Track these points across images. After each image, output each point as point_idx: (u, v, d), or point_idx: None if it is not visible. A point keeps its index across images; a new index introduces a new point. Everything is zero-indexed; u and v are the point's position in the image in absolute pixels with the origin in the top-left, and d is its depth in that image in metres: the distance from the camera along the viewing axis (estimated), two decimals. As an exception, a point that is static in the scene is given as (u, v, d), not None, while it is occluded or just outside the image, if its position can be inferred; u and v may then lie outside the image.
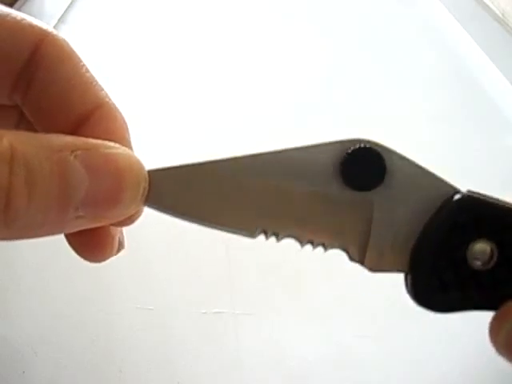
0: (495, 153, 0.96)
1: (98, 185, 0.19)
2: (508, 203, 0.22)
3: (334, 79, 1.11)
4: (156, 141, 0.93)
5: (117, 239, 0.24)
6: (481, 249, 0.21)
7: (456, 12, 1.24)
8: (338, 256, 0.23)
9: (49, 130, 0.22)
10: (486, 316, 0.22)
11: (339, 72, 1.13)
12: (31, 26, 0.21)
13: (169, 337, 0.71)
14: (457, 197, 0.22)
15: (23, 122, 0.24)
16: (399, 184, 0.22)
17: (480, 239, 0.21)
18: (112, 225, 0.22)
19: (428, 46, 1.20)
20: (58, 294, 0.74)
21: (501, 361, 0.21)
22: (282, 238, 0.22)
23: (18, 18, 0.21)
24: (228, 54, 1.18)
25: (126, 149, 0.21)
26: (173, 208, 0.22)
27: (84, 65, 0.22)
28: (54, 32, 0.22)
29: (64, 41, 0.22)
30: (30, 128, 0.23)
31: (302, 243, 0.22)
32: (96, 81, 0.22)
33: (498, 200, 0.22)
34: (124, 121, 0.23)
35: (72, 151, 0.19)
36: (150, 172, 0.22)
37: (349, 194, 0.22)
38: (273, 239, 0.23)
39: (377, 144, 0.22)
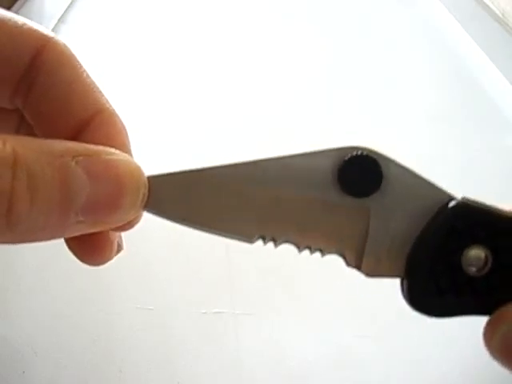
0: (495, 153, 0.96)
1: (99, 190, 0.19)
2: (502, 210, 0.22)
3: (333, 79, 1.11)
4: (155, 146, 0.93)
5: (116, 243, 0.24)
6: (475, 255, 0.22)
7: (456, 12, 1.25)
8: (337, 257, 0.23)
9: (49, 134, 0.22)
10: (484, 318, 0.22)
11: (339, 72, 1.13)
12: (32, 31, 0.22)
13: (169, 337, 0.71)
14: (452, 203, 0.22)
15: (23, 126, 0.24)
16: (395, 191, 0.22)
17: (475, 245, 0.22)
18: (111, 229, 0.22)
19: (428, 46, 1.20)
20: (57, 294, 0.74)
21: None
22: (279, 244, 0.23)
23: (20, 22, 0.21)
24: (228, 55, 1.18)
25: (126, 155, 0.21)
26: (171, 213, 0.22)
27: (84, 70, 0.22)
28: (55, 37, 0.22)
29: (65, 46, 0.22)
30: (31, 131, 0.23)
31: (300, 248, 0.23)
32: (96, 86, 0.23)
33: (492, 207, 0.22)
34: (124, 126, 0.23)
35: (73, 157, 0.19)
36: (150, 178, 0.22)
37: (346, 200, 0.22)
38: (271, 244, 0.23)
39: (373, 151, 0.22)
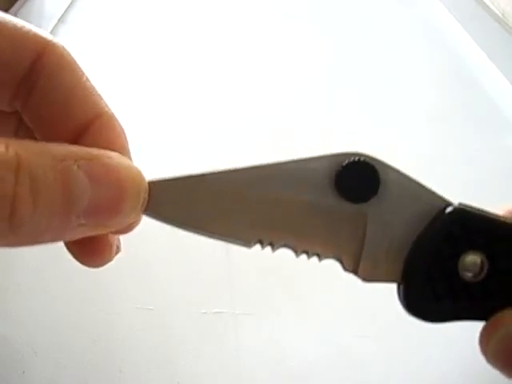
0: (495, 153, 0.96)
1: (100, 194, 0.20)
2: (498, 216, 0.22)
3: (333, 79, 1.11)
4: (154, 146, 0.93)
5: (115, 245, 0.24)
6: (472, 261, 0.22)
7: (456, 12, 1.24)
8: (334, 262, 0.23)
9: (48, 137, 0.23)
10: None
11: (339, 72, 1.13)
12: (33, 35, 0.22)
13: (169, 337, 0.71)
14: (449, 209, 0.22)
15: (22, 128, 0.24)
16: (392, 196, 0.22)
17: (471, 251, 0.22)
18: (111, 232, 0.23)
19: (428, 46, 1.20)
20: (58, 294, 0.74)
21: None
22: (277, 248, 0.23)
23: (20, 26, 0.21)
24: (228, 55, 1.18)
25: (127, 159, 0.21)
26: (170, 218, 0.23)
27: (84, 74, 0.23)
28: (55, 40, 0.22)
29: (65, 49, 0.22)
30: (29, 134, 0.24)
31: (297, 253, 0.23)
32: (96, 90, 0.23)
33: (488, 213, 0.22)
34: (123, 130, 0.23)
35: (75, 161, 0.19)
36: (150, 183, 0.22)
37: (344, 205, 0.22)
38: (268, 248, 0.23)
39: (371, 157, 0.22)
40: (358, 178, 0.22)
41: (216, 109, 1.04)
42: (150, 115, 1.02)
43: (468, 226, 0.22)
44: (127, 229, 0.23)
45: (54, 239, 0.20)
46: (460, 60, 1.15)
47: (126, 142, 0.23)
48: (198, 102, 1.06)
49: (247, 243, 0.23)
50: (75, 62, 0.23)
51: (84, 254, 0.23)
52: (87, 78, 0.23)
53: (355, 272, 0.23)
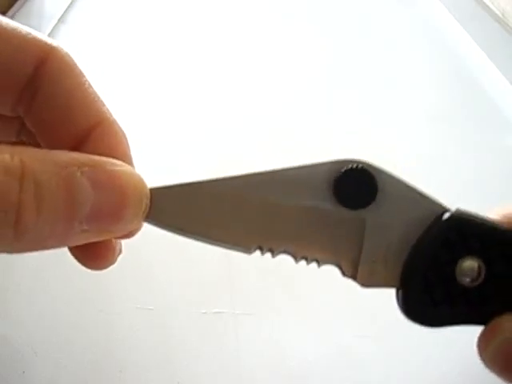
0: (495, 153, 0.96)
1: (103, 201, 0.20)
2: (494, 221, 0.23)
3: (333, 79, 1.11)
4: (154, 147, 0.93)
5: (117, 249, 0.24)
6: (469, 266, 0.22)
7: (456, 12, 1.25)
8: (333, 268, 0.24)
9: (50, 142, 0.23)
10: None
11: (339, 72, 1.13)
12: (36, 41, 0.22)
13: (169, 337, 0.71)
14: (446, 215, 0.23)
15: (24, 133, 0.24)
16: (390, 203, 0.23)
17: (468, 256, 0.22)
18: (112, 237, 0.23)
19: (428, 46, 1.20)
20: (57, 294, 0.74)
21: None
22: (277, 254, 0.23)
23: (24, 32, 0.22)
24: (228, 55, 1.18)
25: (130, 166, 0.22)
26: (171, 225, 0.23)
27: (87, 80, 0.23)
28: (58, 46, 0.22)
29: (68, 55, 0.23)
30: (31, 138, 0.24)
31: (297, 259, 0.23)
32: (98, 96, 0.23)
33: (485, 218, 0.23)
34: (125, 136, 0.24)
35: (79, 167, 0.19)
36: (151, 189, 0.23)
37: (342, 211, 0.23)
38: (268, 255, 0.24)
39: (369, 164, 0.23)
40: (356, 184, 0.22)
41: (216, 109, 1.04)
42: (149, 114, 1.02)
43: (465, 231, 0.22)
44: (128, 235, 0.23)
45: (56, 245, 0.20)
46: (460, 60, 1.15)
47: (128, 148, 0.24)
48: (197, 102, 1.06)
49: (247, 250, 0.24)
50: (78, 67, 0.23)
51: (87, 258, 0.24)
52: (89, 84, 0.23)
53: (354, 278, 0.24)
